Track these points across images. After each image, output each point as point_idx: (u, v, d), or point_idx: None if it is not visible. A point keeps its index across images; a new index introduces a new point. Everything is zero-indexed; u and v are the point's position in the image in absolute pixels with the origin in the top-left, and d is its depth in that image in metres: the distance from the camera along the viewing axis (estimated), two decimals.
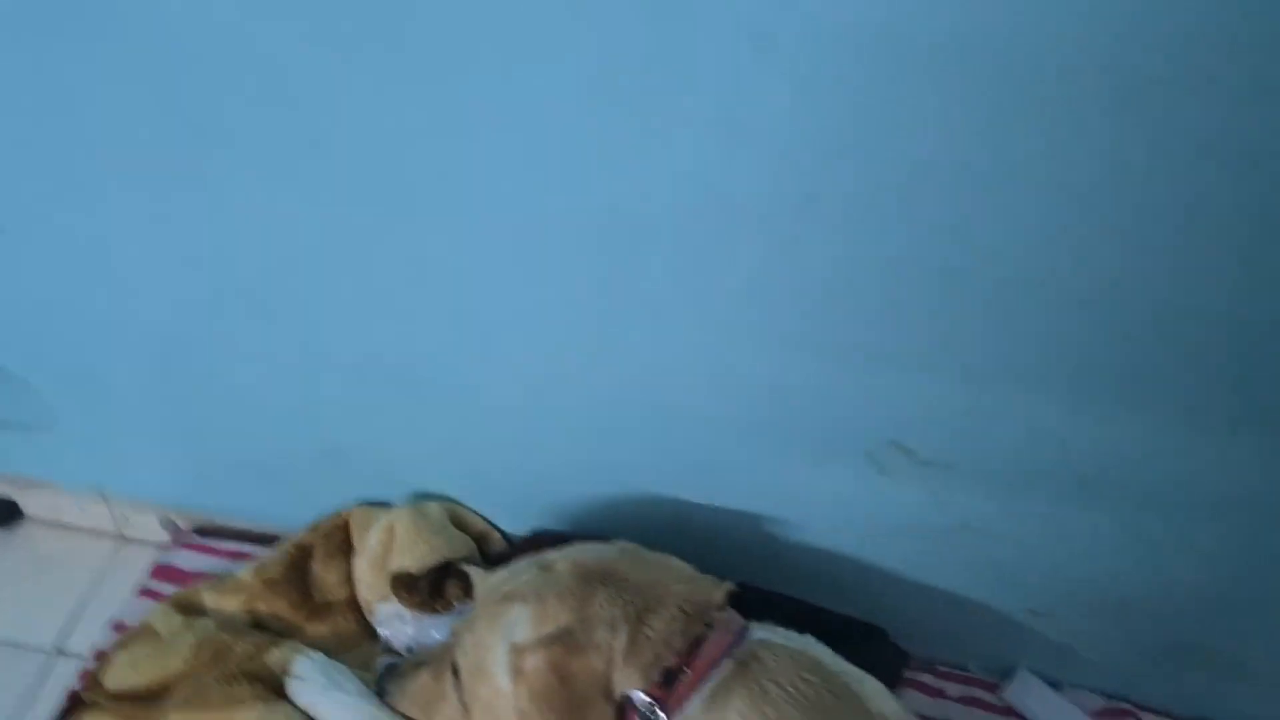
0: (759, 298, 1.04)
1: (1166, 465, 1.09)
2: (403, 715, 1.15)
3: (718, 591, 1.05)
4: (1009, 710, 1.45)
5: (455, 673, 1.07)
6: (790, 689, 0.96)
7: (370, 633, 1.38)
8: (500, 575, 1.10)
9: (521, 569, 1.08)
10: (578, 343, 1.17)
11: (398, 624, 1.34)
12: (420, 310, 1.18)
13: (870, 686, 1.02)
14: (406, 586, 1.34)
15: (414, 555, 1.35)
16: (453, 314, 1.17)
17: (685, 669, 0.97)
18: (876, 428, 1.16)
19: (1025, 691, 1.45)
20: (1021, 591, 1.33)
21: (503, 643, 1.00)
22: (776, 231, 0.97)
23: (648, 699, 0.96)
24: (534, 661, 0.97)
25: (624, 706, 0.97)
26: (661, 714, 0.96)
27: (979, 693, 1.47)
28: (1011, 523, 1.21)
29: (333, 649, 1.31)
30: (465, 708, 1.06)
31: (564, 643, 0.97)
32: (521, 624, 1.00)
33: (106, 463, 1.60)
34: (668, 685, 0.97)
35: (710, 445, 1.26)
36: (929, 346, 1.04)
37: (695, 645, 0.99)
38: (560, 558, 1.07)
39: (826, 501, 1.28)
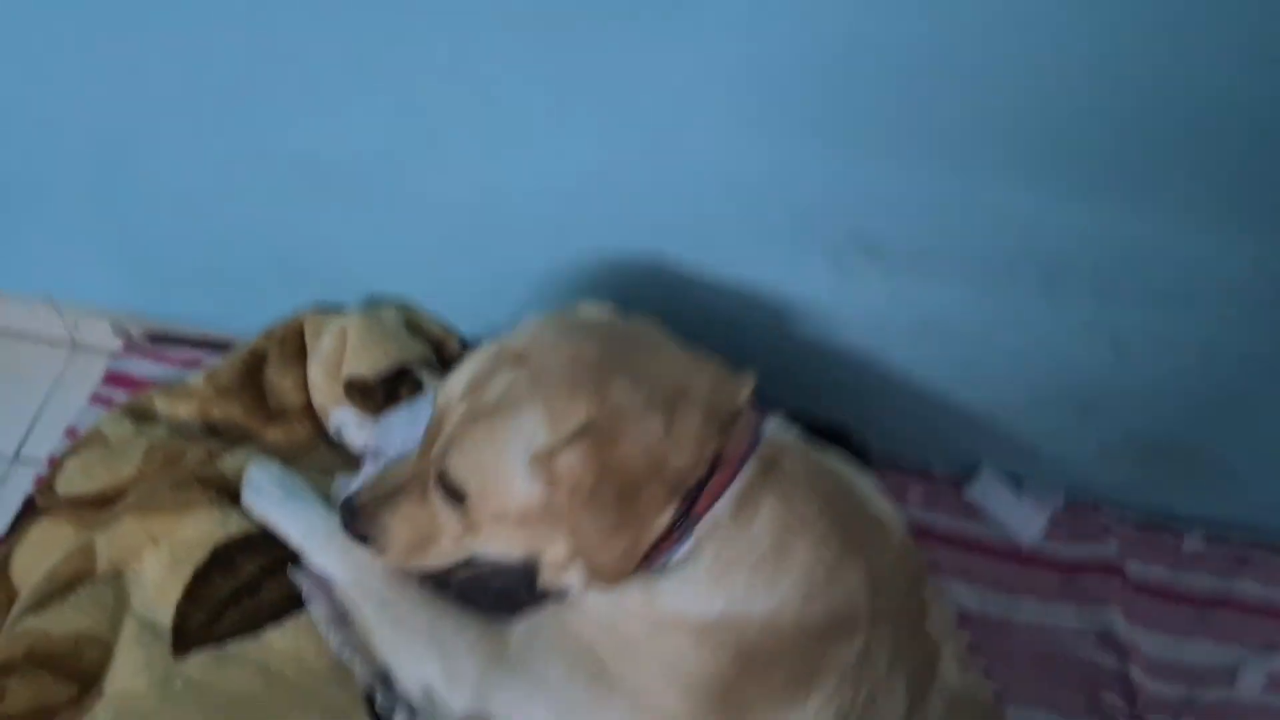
0: (718, 77, 0.98)
1: (1138, 257, 1.05)
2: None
3: (741, 391, 0.97)
4: (971, 510, 1.46)
5: (455, 497, 0.96)
6: (810, 489, 0.95)
7: (326, 438, 1.36)
8: (461, 381, 0.97)
9: (490, 371, 0.95)
10: (528, 139, 1.11)
11: (352, 430, 1.32)
12: (359, 107, 1.11)
13: (867, 485, 1.03)
14: (361, 392, 1.31)
15: (367, 360, 1.32)
16: (394, 111, 1.11)
17: (712, 473, 0.93)
18: (841, 219, 1.11)
19: (988, 491, 1.46)
20: (985, 389, 1.32)
21: (519, 454, 0.91)
22: (735, 5, 0.89)
23: (676, 509, 0.92)
24: (568, 460, 0.89)
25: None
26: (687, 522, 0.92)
27: (942, 490, 1.47)
28: (975, 319, 1.18)
29: (288, 455, 1.29)
30: (473, 526, 0.98)
31: (591, 435, 0.89)
32: (535, 431, 0.91)
33: (53, 269, 1.57)
34: (694, 491, 0.92)
35: (669, 240, 1.22)
36: (898, 129, 0.98)
37: (719, 449, 0.93)
38: (534, 348, 0.95)
39: (790, 296, 1.25)
